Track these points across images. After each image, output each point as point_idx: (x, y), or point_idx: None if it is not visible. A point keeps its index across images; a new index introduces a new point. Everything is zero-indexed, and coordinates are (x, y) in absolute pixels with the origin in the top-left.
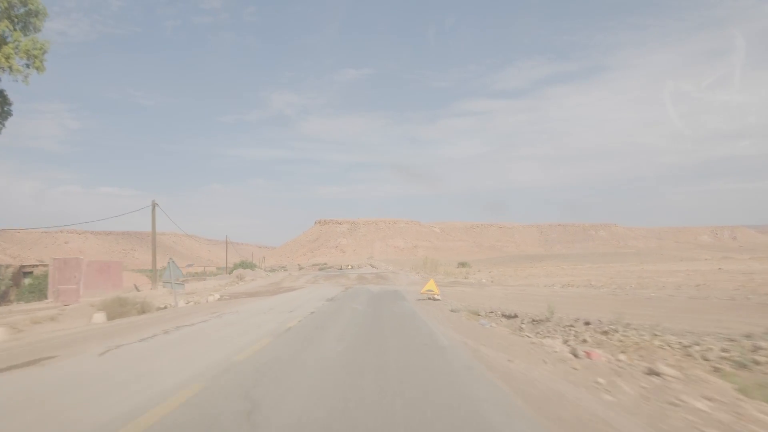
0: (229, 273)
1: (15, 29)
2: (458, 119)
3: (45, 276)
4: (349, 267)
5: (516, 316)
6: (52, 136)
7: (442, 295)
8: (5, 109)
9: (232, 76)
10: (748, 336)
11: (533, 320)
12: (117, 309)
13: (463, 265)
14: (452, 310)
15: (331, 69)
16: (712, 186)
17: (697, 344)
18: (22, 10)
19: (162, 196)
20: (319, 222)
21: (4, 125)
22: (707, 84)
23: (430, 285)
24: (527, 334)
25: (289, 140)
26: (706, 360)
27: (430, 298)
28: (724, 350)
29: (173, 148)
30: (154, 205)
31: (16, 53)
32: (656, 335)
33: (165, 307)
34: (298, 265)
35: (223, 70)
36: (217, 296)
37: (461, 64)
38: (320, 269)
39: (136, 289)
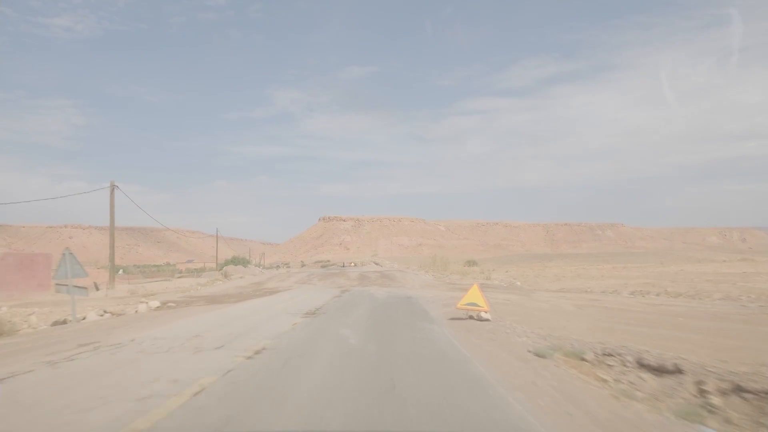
0: (219, 269)
1: None
2: (463, 118)
3: None
4: (352, 264)
5: (678, 370)
6: (57, 132)
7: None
8: None
9: (236, 73)
10: None
11: (738, 387)
12: None
13: (471, 263)
14: (536, 353)
15: (335, 66)
16: (719, 187)
17: None
18: None
19: (167, 192)
20: (324, 219)
21: None
22: (714, 84)
23: (474, 296)
24: None
25: (293, 138)
26: None
27: (472, 317)
28: None
29: (178, 145)
30: (112, 187)
31: None
32: None
33: (64, 322)
34: (301, 262)
35: (227, 67)
36: (157, 303)
37: (466, 62)
38: (322, 266)
39: (96, 288)
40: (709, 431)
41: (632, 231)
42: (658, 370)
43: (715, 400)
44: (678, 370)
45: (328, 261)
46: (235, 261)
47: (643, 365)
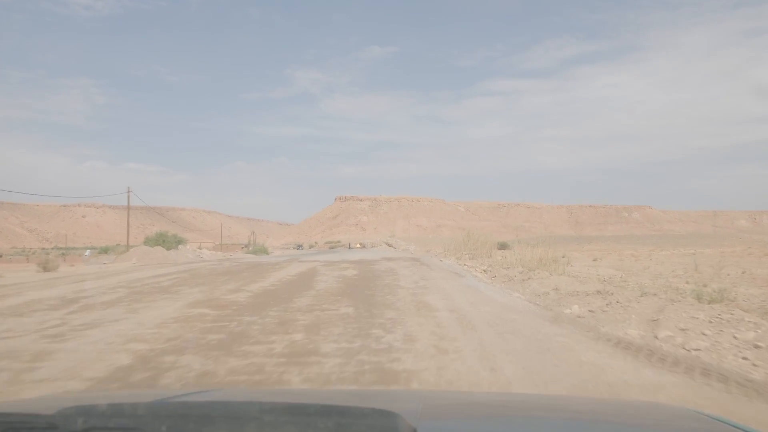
0: (125, 250)
1: None
2: (484, 99)
3: None
4: (358, 245)
5: None
6: (79, 112)
7: None
8: None
9: (256, 53)
10: None
11: None
12: None
13: (503, 246)
14: None
15: (356, 47)
16: (746, 170)
17: None
18: None
19: (187, 172)
20: (340, 198)
21: None
22: (742, 64)
23: None
24: None
25: (313, 118)
26: None
27: None
28: None
29: (198, 125)
30: None
31: None
32: None
33: None
34: (315, 242)
35: (248, 46)
36: None
37: (487, 43)
38: (330, 248)
39: None
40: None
41: (659, 214)
42: None
43: None
44: None
45: (338, 242)
46: (158, 239)
47: None
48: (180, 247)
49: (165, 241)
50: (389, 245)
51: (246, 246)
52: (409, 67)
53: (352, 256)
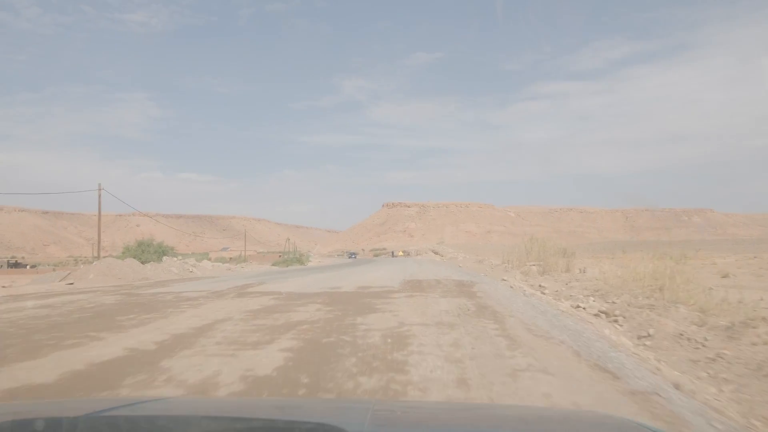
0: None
1: None
2: (532, 102)
3: None
4: (401, 253)
5: None
6: (134, 124)
7: None
8: None
9: (304, 63)
10: None
11: None
12: None
13: (566, 254)
14: None
15: (402, 53)
16: None
17: None
18: None
19: (237, 181)
20: (387, 205)
21: None
22: None
23: None
24: None
25: (360, 126)
26: None
27: None
28: None
29: (247, 135)
30: None
31: None
32: None
33: None
34: (362, 249)
35: (295, 56)
36: None
37: (534, 45)
38: (375, 255)
39: None
40: None
41: (722, 217)
42: None
43: None
44: None
45: (384, 249)
46: (137, 249)
47: None
48: (165, 259)
49: (144, 252)
50: (436, 252)
51: (281, 254)
52: (455, 72)
53: (376, 271)
